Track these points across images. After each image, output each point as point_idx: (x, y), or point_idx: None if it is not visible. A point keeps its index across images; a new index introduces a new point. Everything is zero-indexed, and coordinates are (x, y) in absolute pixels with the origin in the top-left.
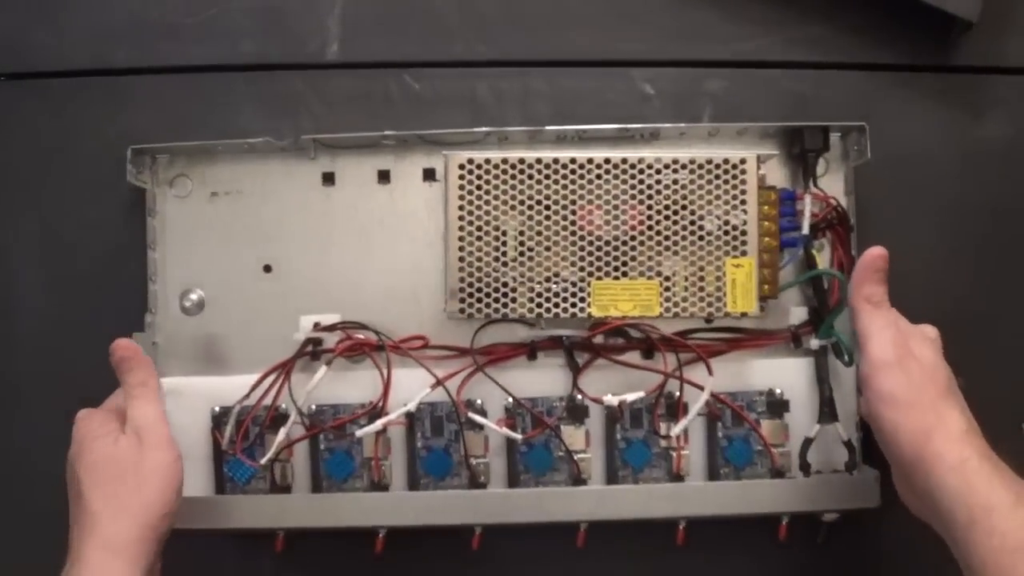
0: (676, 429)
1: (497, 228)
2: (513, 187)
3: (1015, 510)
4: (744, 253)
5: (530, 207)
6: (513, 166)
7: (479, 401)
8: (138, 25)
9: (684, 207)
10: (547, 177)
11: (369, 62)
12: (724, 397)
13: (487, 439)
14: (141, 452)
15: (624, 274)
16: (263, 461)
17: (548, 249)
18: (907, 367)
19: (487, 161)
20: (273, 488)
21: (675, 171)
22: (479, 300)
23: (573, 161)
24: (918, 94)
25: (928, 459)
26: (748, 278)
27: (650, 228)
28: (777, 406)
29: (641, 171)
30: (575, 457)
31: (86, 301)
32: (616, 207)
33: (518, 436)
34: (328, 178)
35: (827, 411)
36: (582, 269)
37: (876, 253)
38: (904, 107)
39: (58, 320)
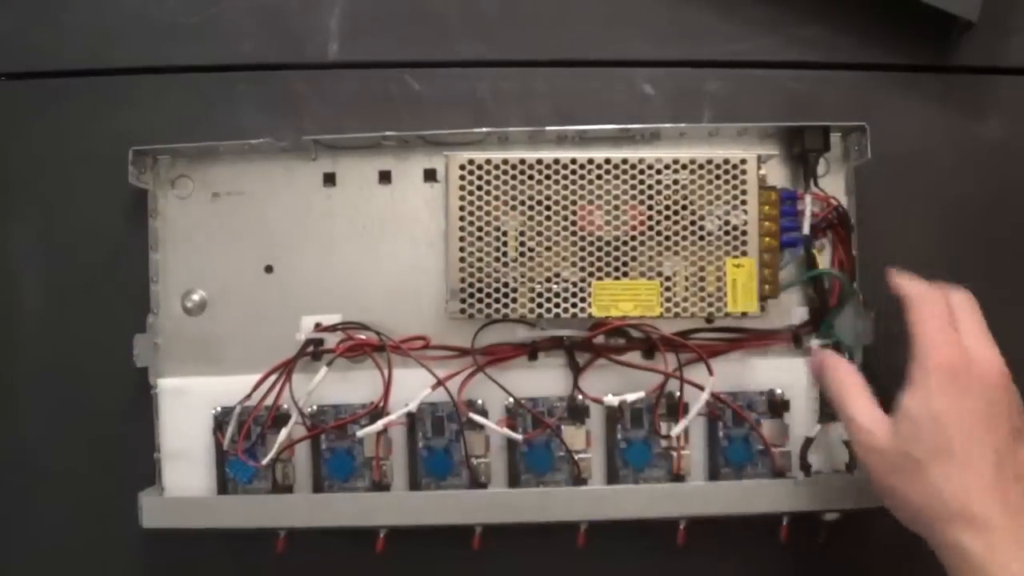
0: (676, 429)
1: (498, 228)
2: (514, 187)
3: None
4: (745, 253)
5: (531, 207)
6: (514, 166)
7: (480, 401)
8: (138, 25)
9: (685, 207)
10: (548, 177)
11: (369, 62)
12: (724, 397)
13: (488, 439)
14: None
15: (625, 274)
16: (264, 461)
17: (549, 249)
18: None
19: (488, 161)
20: (274, 488)
21: (675, 171)
22: (480, 300)
23: (574, 161)
24: (918, 94)
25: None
26: (749, 278)
27: (651, 228)
28: (777, 406)
29: (641, 171)
30: (576, 457)
31: (87, 302)
32: (616, 207)
33: (519, 436)
34: (329, 179)
35: (828, 411)
36: (583, 269)
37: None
38: (904, 107)
39: (59, 321)
